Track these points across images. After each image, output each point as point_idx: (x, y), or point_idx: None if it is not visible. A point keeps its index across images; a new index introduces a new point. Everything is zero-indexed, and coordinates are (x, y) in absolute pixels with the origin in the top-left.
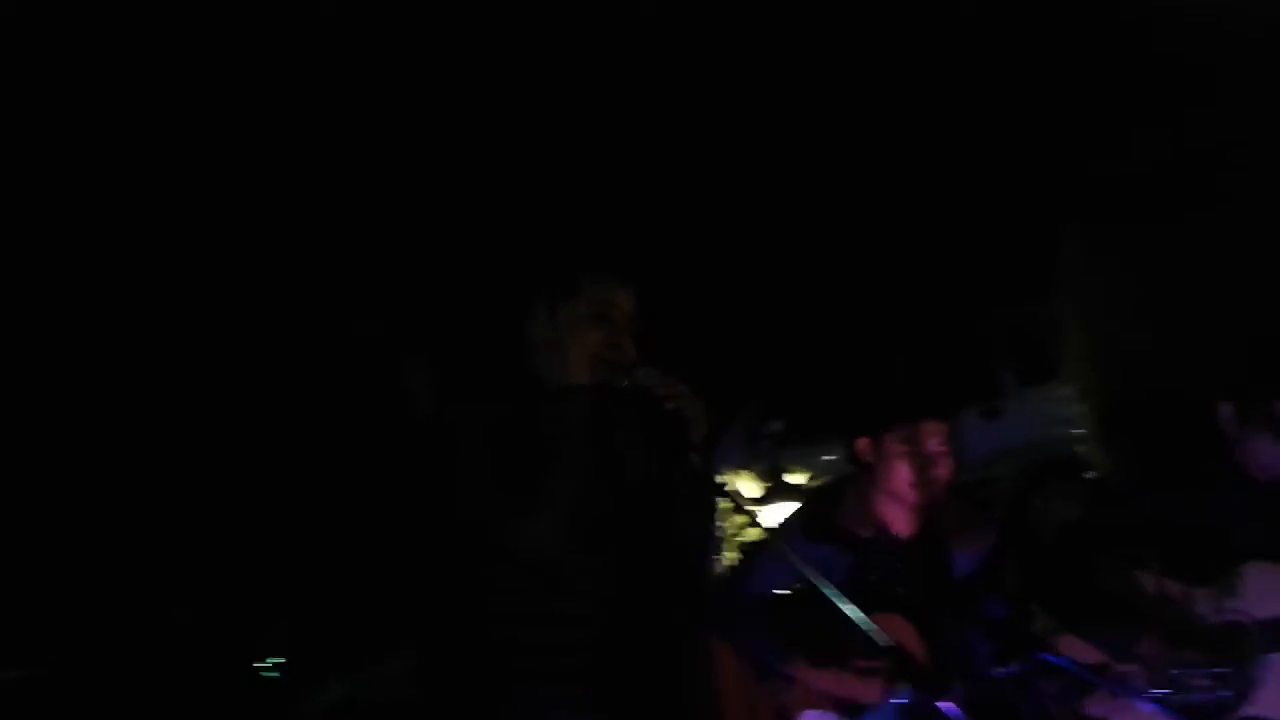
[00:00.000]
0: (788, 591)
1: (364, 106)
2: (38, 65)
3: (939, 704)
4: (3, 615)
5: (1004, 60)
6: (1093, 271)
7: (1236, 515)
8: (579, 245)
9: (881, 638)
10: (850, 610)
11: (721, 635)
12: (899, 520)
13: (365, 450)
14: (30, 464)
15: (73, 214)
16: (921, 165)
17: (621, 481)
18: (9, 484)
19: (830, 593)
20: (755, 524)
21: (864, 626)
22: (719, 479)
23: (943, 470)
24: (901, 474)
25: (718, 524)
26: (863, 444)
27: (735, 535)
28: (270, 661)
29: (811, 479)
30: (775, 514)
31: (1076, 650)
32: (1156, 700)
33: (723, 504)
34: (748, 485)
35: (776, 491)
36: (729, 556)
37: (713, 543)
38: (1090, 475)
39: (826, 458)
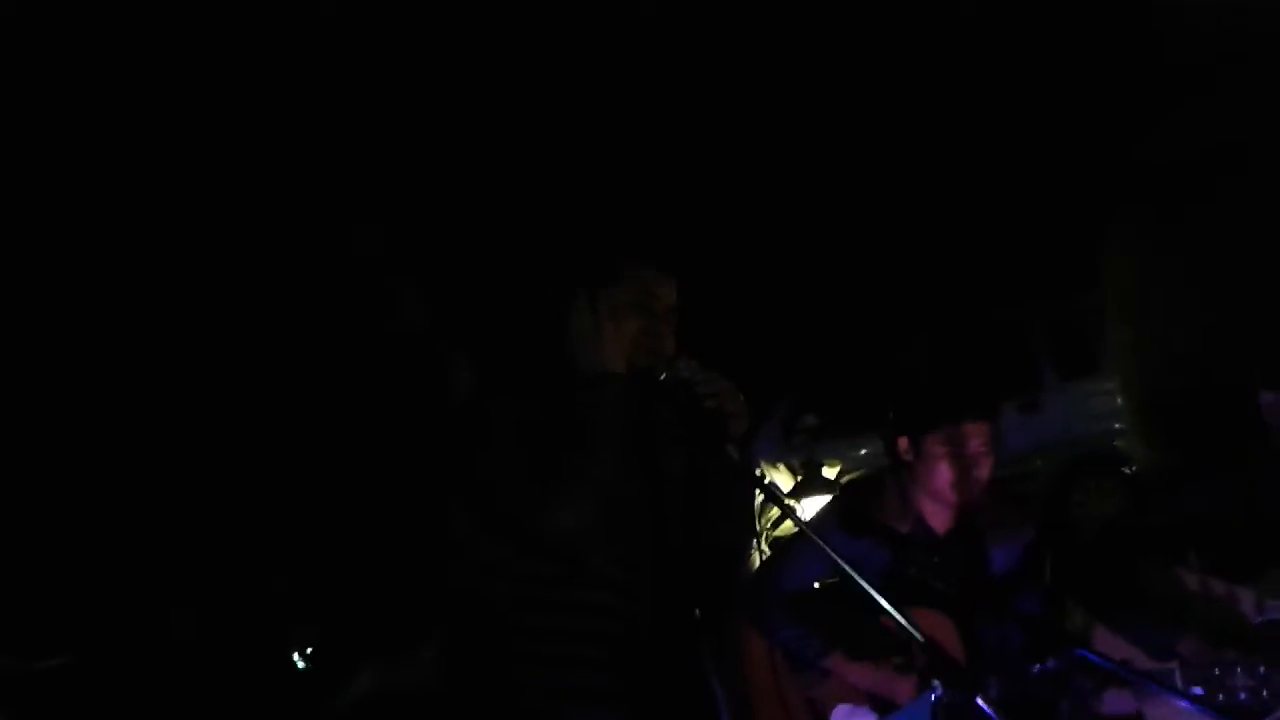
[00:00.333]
0: (824, 585)
1: (406, 96)
2: (36, 57)
3: (975, 699)
4: (40, 605)
5: (1045, 49)
6: (1134, 265)
7: (1276, 506)
8: (619, 238)
9: (917, 633)
10: (886, 605)
11: (756, 627)
12: (938, 516)
13: (398, 440)
14: (63, 432)
15: (73, 193)
16: (963, 159)
17: (659, 476)
18: (47, 454)
19: (866, 587)
20: (793, 517)
21: (900, 621)
22: (757, 472)
23: (984, 471)
24: (943, 474)
25: (755, 517)
26: (903, 442)
27: (772, 528)
28: (301, 652)
29: (844, 472)
30: (810, 507)
31: (1112, 647)
32: (1195, 699)
33: (759, 497)
34: (783, 479)
35: (812, 484)
36: (765, 549)
37: (750, 537)
38: (1129, 470)
39: (862, 451)
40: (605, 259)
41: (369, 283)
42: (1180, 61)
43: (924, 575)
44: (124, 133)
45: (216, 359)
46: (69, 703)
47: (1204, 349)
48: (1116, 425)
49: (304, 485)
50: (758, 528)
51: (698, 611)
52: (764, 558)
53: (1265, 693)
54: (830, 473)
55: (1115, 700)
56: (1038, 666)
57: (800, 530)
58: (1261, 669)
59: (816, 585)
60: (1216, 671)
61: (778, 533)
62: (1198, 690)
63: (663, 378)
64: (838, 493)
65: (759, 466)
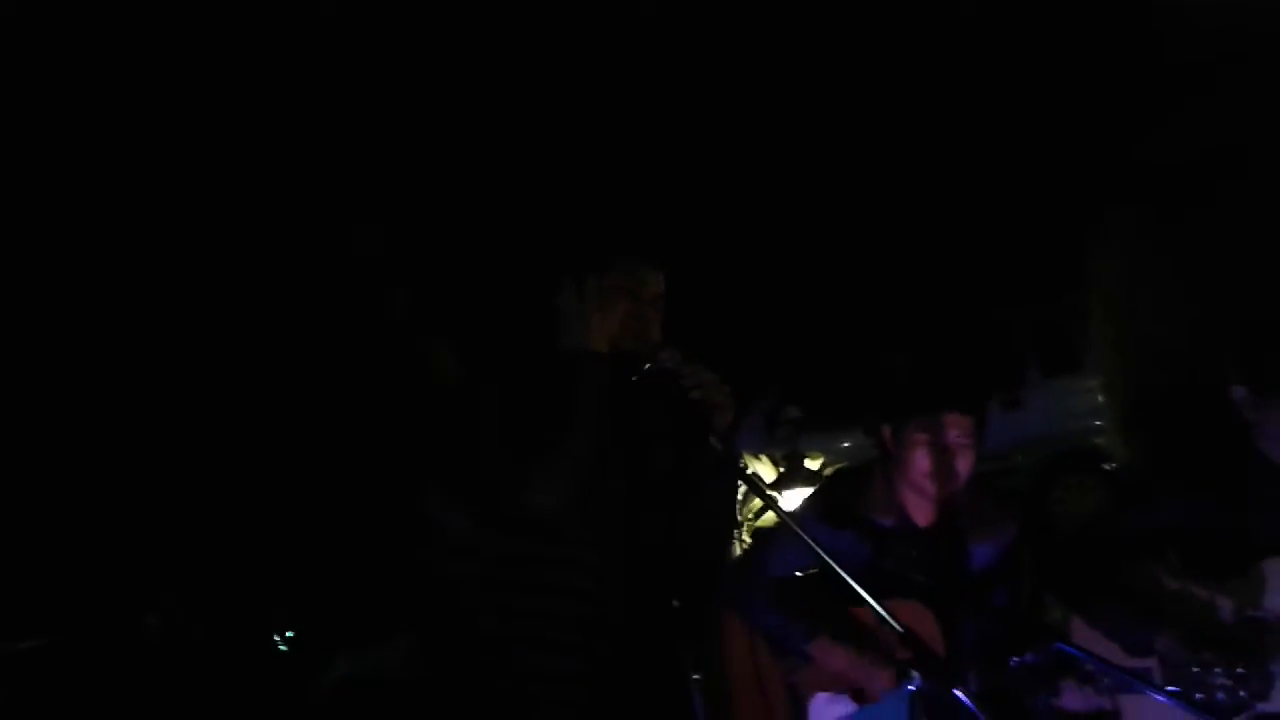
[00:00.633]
0: (805, 574)
1: (399, 87)
2: (35, 57)
3: (953, 691)
4: (19, 587)
5: (1044, 49)
6: (1119, 264)
7: (1261, 505)
8: (608, 229)
9: (896, 624)
10: (866, 596)
11: (738, 612)
12: (920, 509)
13: (378, 422)
14: (49, 421)
15: (69, 189)
16: (948, 155)
17: (640, 464)
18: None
19: (846, 578)
20: (775, 508)
21: (879, 612)
22: (740, 464)
23: (963, 463)
24: (920, 464)
25: (738, 507)
26: (885, 432)
27: (754, 519)
28: (281, 636)
29: (827, 464)
30: (793, 498)
31: (1090, 642)
32: (1173, 695)
33: (742, 488)
34: (766, 470)
35: (794, 476)
36: (747, 540)
37: (732, 528)
38: (1109, 467)
39: (845, 444)
40: (594, 249)
41: (364, 279)
42: (1180, 61)
43: (904, 568)
44: (124, 132)
45: (193, 347)
46: (49, 684)
47: (1190, 348)
48: (1097, 423)
49: (283, 470)
50: (740, 519)
51: (675, 602)
52: (745, 547)
53: (1243, 692)
54: (813, 465)
55: (1092, 695)
56: (1016, 660)
57: (782, 521)
58: (1240, 668)
59: (799, 574)
60: (1195, 669)
61: (760, 523)
62: (1174, 688)
63: (647, 367)
64: (822, 483)
65: (742, 458)
